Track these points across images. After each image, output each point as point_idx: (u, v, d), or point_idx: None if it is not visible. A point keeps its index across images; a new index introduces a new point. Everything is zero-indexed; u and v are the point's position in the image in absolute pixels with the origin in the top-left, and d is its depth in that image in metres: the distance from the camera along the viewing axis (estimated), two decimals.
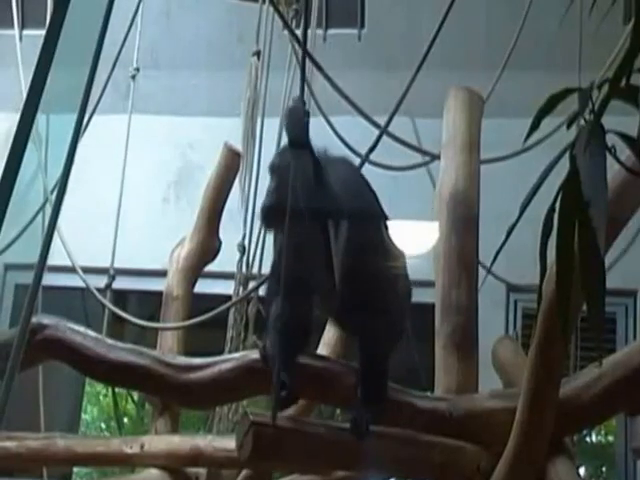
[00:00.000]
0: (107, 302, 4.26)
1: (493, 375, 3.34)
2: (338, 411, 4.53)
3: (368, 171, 4.28)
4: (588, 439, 7.46)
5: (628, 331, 5.33)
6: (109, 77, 4.28)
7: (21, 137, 1.25)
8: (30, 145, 1.35)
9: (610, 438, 7.17)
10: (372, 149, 3.18)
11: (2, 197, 1.22)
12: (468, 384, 3.07)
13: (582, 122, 1.41)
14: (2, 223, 1.28)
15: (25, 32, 5.15)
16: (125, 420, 8.11)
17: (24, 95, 1.33)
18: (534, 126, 1.52)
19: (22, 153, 1.28)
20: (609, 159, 1.39)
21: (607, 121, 1.40)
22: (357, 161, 4.25)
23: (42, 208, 4.74)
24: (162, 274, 4.57)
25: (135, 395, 7.79)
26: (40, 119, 5.16)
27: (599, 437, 7.68)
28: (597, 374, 2.65)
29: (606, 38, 2.57)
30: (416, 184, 3.88)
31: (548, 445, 2.60)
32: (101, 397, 9.00)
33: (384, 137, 3.86)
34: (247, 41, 4.19)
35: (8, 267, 5.78)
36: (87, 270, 4.47)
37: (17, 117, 1.29)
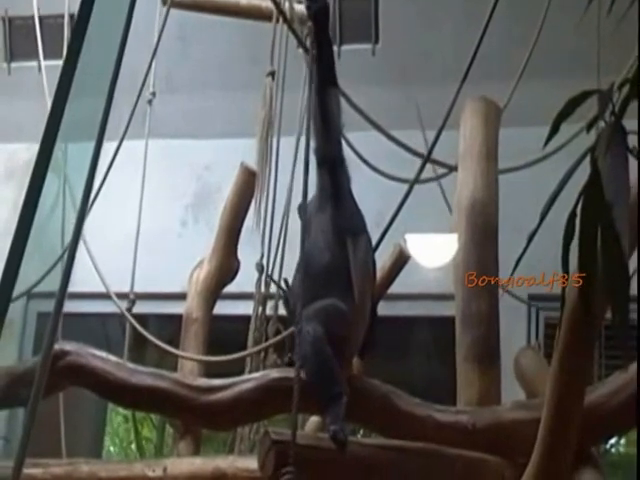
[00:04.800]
0: (139, 326, 4.24)
1: (516, 386, 3.31)
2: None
3: (385, 184, 4.29)
4: (614, 450, 7.37)
5: None
6: (136, 104, 4.30)
7: (41, 166, 1.26)
8: (51, 174, 1.36)
9: None
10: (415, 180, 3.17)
11: (24, 226, 1.23)
12: (490, 396, 3.06)
13: (602, 125, 1.41)
14: (24, 251, 1.29)
15: (43, 63, 5.19)
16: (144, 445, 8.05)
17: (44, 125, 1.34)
18: (554, 130, 1.51)
19: (42, 182, 1.29)
20: (631, 161, 1.39)
21: (626, 125, 1.40)
22: (370, 175, 4.27)
23: (63, 236, 4.77)
24: (181, 297, 4.57)
25: (155, 419, 7.76)
26: (60, 148, 5.19)
27: (628, 448, 7.58)
28: (623, 381, 2.63)
29: (623, 44, 2.56)
30: (433, 196, 3.86)
31: (575, 456, 2.57)
32: (118, 420, 8.96)
33: (399, 150, 3.86)
34: (261, 61, 4.20)
35: (30, 296, 5.80)
36: (106, 296, 4.47)
37: (37, 147, 1.30)
